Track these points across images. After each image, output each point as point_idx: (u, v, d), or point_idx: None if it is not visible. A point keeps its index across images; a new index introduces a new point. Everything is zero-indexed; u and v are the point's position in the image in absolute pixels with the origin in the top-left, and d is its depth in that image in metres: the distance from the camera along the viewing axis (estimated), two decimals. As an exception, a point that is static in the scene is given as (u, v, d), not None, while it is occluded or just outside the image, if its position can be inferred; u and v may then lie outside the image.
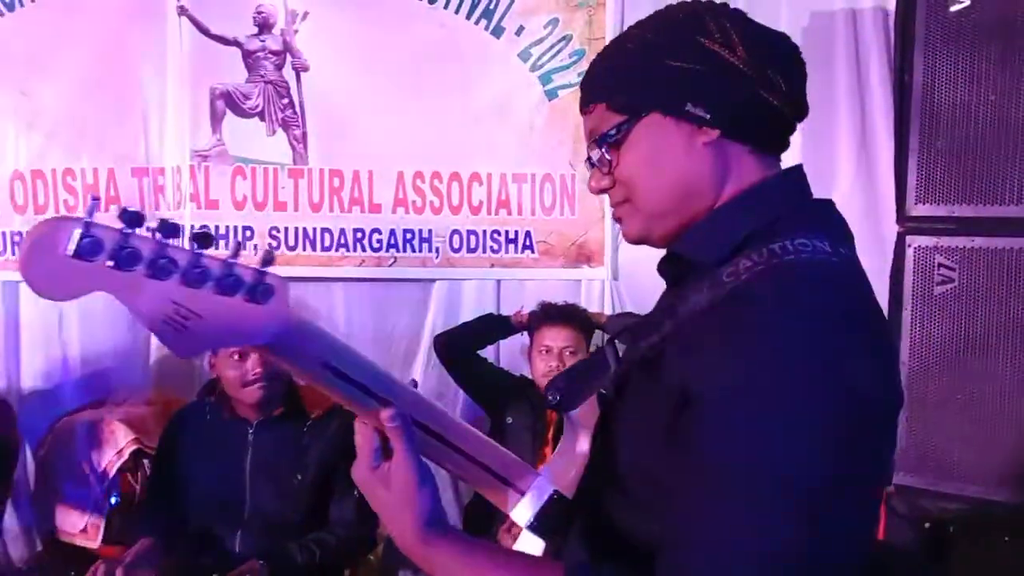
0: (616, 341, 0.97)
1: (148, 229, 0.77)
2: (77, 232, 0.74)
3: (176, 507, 2.25)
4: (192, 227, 3.18)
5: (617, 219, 1.02)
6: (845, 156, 3.13)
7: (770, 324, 0.80)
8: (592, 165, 0.99)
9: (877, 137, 3.06)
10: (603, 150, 0.96)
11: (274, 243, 3.20)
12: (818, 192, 0.98)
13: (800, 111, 0.97)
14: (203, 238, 0.79)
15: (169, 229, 0.77)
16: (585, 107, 1.00)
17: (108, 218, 0.76)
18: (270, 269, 0.83)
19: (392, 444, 0.92)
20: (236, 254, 0.81)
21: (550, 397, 1.00)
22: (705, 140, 0.93)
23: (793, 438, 0.76)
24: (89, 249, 0.75)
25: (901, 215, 2.66)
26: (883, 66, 3.08)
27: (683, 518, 0.80)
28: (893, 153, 2.86)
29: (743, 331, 0.80)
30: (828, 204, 0.97)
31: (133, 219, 0.75)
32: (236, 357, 2.15)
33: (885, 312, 2.06)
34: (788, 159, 1.00)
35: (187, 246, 0.79)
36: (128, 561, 1.99)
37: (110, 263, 0.76)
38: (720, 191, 0.95)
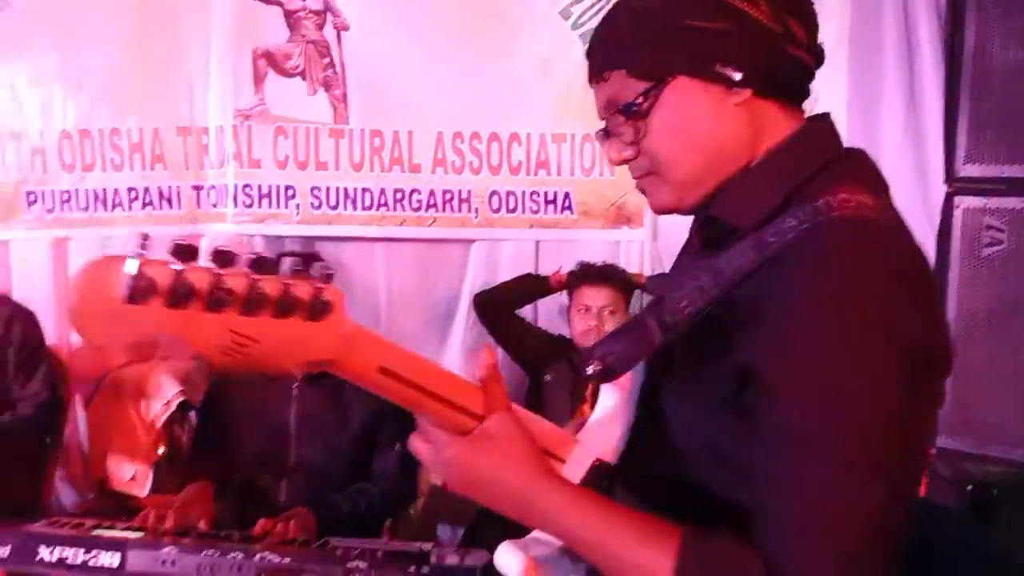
0: (656, 306, 0.92)
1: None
2: (129, 274, 0.69)
3: (223, 457, 2.31)
4: (236, 186, 3.23)
5: (641, 190, 0.99)
6: (893, 116, 3.06)
7: (827, 286, 0.79)
8: (607, 135, 0.95)
9: (926, 97, 3.00)
10: (626, 120, 0.92)
11: (315, 202, 3.24)
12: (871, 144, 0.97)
13: (820, 59, 0.95)
14: (261, 263, 0.75)
15: (225, 258, 0.73)
16: (598, 76, 0.95)
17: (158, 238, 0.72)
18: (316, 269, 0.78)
19: (490, 391, 0.90)
20: (294, 273, 0.76)
21: (590, 370, 0.94)
22: (737, 101, 0.90)
23: (868, 398, 0.78)
24: (144, 291, 0.69)
25: (949, 175, 2.63)
26: (932, 25, 3.00)
27: (773, 487, 0.80)
28: (942, 113, 2.82)
29: (801, 295, 0.80)
30: (861, 153, 0.95)
31: (186, 254, 0.71)
32: None
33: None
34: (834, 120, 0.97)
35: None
36: (178, 505, 2.04)
37: (166, 303, 0.71)
38: (754, 151, 0.92)
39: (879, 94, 3.06)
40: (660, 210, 0.98)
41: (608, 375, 0.92)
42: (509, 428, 0.89)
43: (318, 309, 0.77)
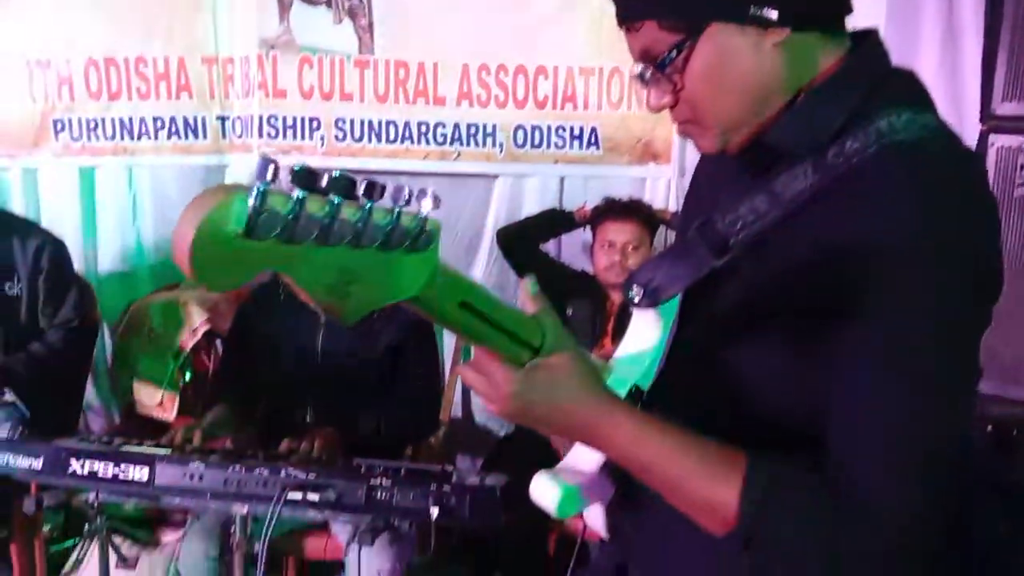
0: (704, 228, 0.91)
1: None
2: (248, 205, 0.60)
3: (250, 379, 2.35)
4: (261, 117, 3.22)
5: (684, 134, 0.96)
6: (929, 50, 2.96)
7: (910, 216, 0.79)
8: (644, 81, 0.91)
9: (965, 31, 2.90)
10: (662, 73, 0.89)
11: (340, 134, 3.23)
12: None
13: None
14: (372, 188, 0.66)
15: (345, 186, 0.64)
16: (630, 23, 0.90)
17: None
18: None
19: (545, 321, 0.86)
20: (402, 199, 0.68)
21: (632, 293, 0.92)
22: (775, 41, 0.87)
23: (955, 331, 0.81)
24: (265, 226, 0.61)
25: (985, 113, 2.56)
26: (974, -43, 2.91)
27: (855, 414, 0.81)
28: (981, 49, 2.74)
29: (885, 227, 0.79)
30: (912, 73, 0.93)
31: (309, 181, 0.62)
32: None
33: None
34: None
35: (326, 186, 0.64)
36: (206, 424, 2.08)
37: (283, 237, 0.62)
38: (799, 84, 0.90)
39: (916, 28, 2.97)
40: (709, 152, 0.96)
41: (652, 300, 0.91)
42: (572, 357, 0.87)
43: (422, 240, 0.70)
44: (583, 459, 0.97)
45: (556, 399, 0.85)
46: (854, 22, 0.94)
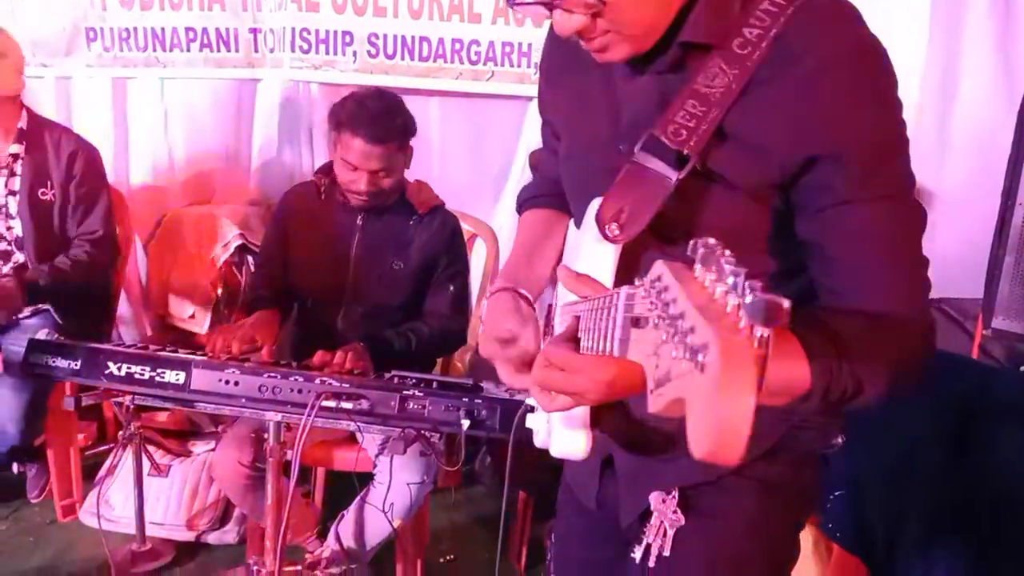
0: (651, 146, 0.95)
1: None
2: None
3: (284, 281, 2.36)
4: (293, 30, 3.17)
5: (597, 50, 0.97)
6: (978, 13, 2.87)
7: (852, 62, 0.90)
8: (551, 7, 0.93)
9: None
10: None
11: (372, 50, 3.17)
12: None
13: None
14: None
15: None
16: None
17: None
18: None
19: None
20: None
21: (609, 231, 0.95)
22: None
23: (905, 152, 0.96)
24: None
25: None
26: None
27: (855, 242, 0.92)
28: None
29: (834, 80, 0.89)
30: None
31: None
32: (350, 169, 2.18)
33: (1007, 153, 1.99)
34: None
35: None
36: (245, 329, 2.10)
37: None
38: None
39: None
40: (622, 60, 0.98)
41: (630, 232, 0.95)
42: None
43: None
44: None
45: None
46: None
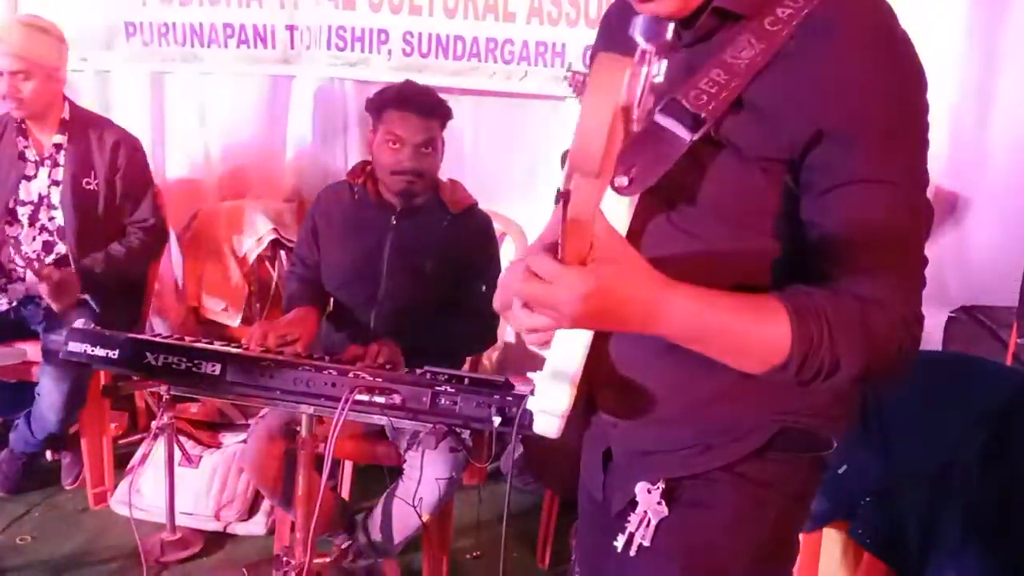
0: (670, 108, 0.96)
1: None
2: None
3: (319, 280, 2.39)
4: (329, 28, 3.19)
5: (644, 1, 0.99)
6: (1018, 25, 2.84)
7: (873, 49, 0.92)
8: None
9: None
10: None
11: (407, 48, 3.19)
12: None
13: None
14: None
15: None
16: None
17: None
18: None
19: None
20: None
21: (617, 181, 0.97)
22: None
23: (921, 138, 0.96)
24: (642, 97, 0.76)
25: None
26: None
27: (856, 220, 0.93)
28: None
29: (854, 61, 0.91)
30: None
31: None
32: (394, 144, 2.20)
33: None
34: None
35: None
36: (282, 324, 2.11)
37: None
38: None
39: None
40: (664, 15, 0.98)
41: (639, 185, 0.97)
42: (625, 248, 0.89)
43: None
44: (564, 357, 1.01)
45: (624, 290, 0.87)
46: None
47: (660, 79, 0.95)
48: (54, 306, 2.53)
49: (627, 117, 0.83)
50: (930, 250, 0.98)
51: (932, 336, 2.88)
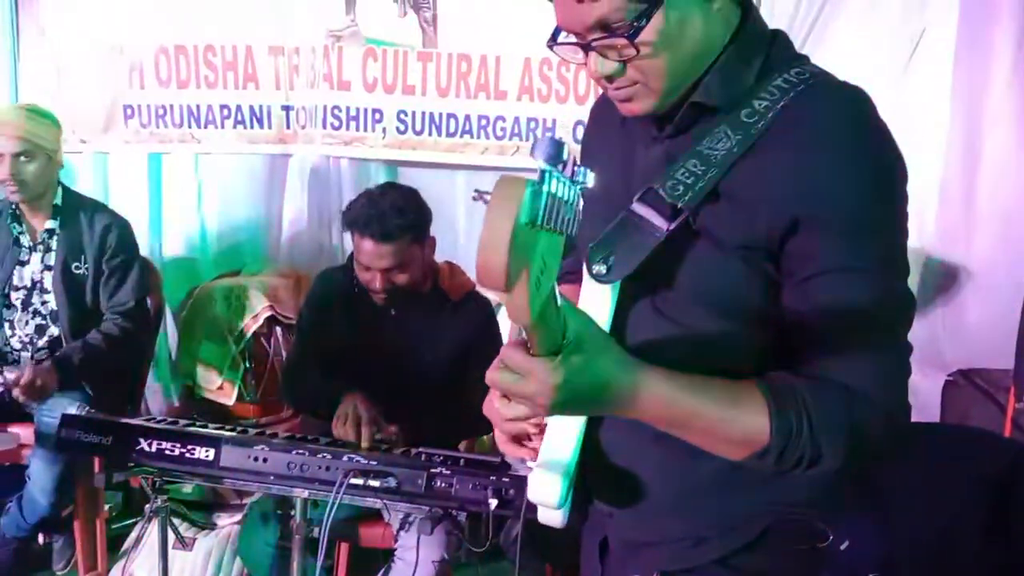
0: (648, 197, 0.98)
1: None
2: (543, 194, 0.64)
3: (319, 370, 2.37)
4: (325, 108, 3.26)
5: (625, 99, 1.01)
6: (1003, 56, 2.90)
7: (854, 139, 0.93)
8: (587, 50, 0.97)
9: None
10: (630, 40, 0.93)
11: (401, 127, 3.25)
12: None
13: None
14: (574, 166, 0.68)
15: (578, 174, 0.68)
16: None
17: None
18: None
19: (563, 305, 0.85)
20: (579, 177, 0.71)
21: (595, 269, 0.98)
22: (718, 6, 0.97)
23: (900, 227, 0.97)
24: (548, 213, 0.64)
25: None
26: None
27: (839, 314, 0.93)
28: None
29: (834, 151, 0.92)
30: (782, 31, 1.06)
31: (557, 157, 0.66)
32: (365, 268, 2.21)
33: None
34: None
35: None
36: (366, 417, 2.08)
37: (550, 225, 0.65)
38: (722, 46, 0.99)
39: (990, 35, 2.88)
40: (641, 114, 1.02)
41: (617, 273, 0.98)
42: (598, 335, 0.89)
43: (577, 224, 0.75)
44: (557, 448, 1.01)
45: (597, 378, 0.88)
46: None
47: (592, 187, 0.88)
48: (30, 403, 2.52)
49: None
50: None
51: (929, 401, 2.89)
